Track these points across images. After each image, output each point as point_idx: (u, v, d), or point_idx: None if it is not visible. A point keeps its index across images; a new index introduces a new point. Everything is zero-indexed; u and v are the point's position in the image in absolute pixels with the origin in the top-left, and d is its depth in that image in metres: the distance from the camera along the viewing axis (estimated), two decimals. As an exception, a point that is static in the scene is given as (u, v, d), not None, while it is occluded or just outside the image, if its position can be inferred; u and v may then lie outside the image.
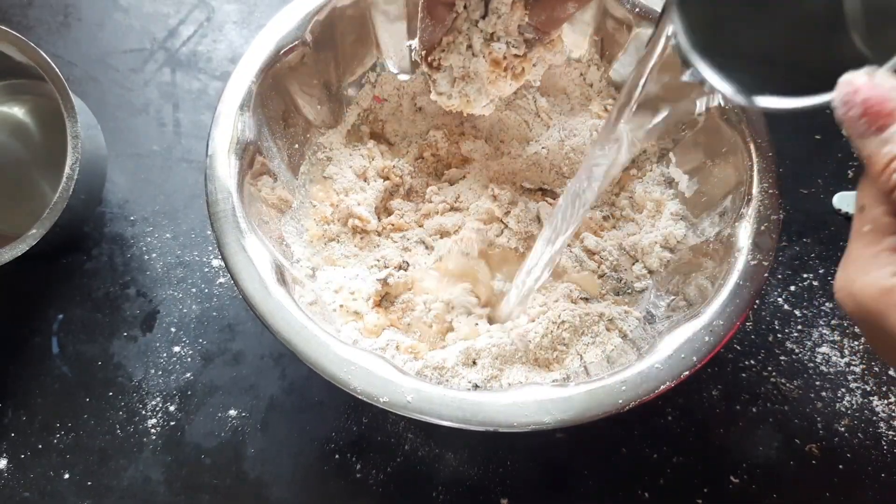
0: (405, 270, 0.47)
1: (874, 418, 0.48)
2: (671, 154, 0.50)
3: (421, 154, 0.53)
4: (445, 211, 0.50)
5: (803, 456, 0.47)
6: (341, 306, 0.45)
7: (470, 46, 0.42)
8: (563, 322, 0.44)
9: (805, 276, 0.53)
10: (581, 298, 0.47)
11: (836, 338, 0.51)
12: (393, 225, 0.50)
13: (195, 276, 0.52)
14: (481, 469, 0.46)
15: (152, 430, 0.47)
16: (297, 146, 0.50)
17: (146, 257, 0.53)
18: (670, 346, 0.39)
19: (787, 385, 0.49)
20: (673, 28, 0.32)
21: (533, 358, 0.44)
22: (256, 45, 0.46)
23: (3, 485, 0.46)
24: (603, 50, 0.51)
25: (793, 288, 0.53)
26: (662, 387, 0.37)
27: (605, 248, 0.49)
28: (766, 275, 0.41)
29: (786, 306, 0.52)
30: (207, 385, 0.49)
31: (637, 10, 0.47)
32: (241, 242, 0.40)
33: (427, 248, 0.49)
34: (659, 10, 0.46)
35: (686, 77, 0.33)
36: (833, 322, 0.51)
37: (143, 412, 0.48)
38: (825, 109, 0.29)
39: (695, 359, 0.38)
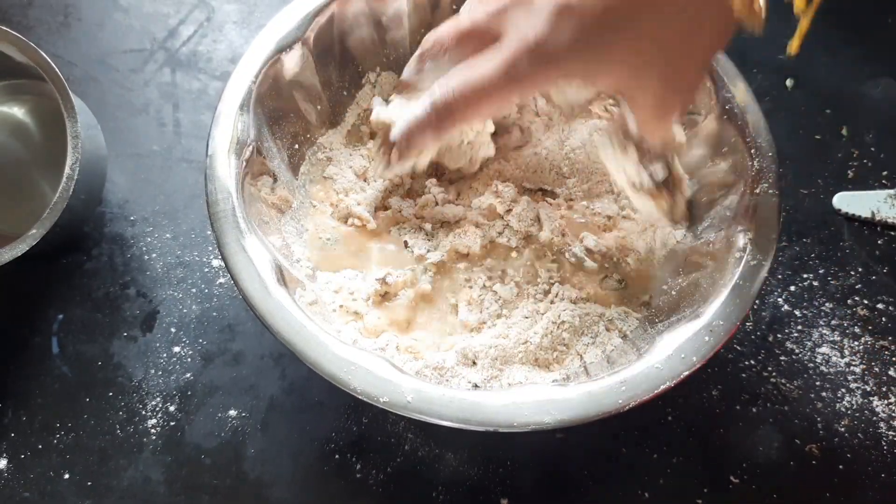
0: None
1: (874, 418, 0.48)
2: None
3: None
4: (445, 202, 0.50)
5: (803, 456, 0.47)
6: (341, 306, 0.45)
7: None
8: (562, 322, 0.44)
9: (805, 276, 0.53)
10: (581, 299, 0.47)
11: (836, 338, 0.51)
12: (391, 217, 0.49)
13: (195, 276, 0.52)
14: (481, 469, 0.46)
15: (152, 431, 0.47)
16: (297, 146, 0.50)
17: (146, 257, 0.53)
18: (670, 346, 0.39)
19: (787, 385, 0.49)
20: None
21: (533, 358, 0.44)
22: (256, 45, 0.46)
23: (3, 485, 0.46)
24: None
25: (793, 288, 0.53)
26: (662, 387, 0.37)
27: (605, 248, 0.49)
28: (766, 275, 0.41)
29: (786, 306, 0.52)
30: (207, 385, 0.49)
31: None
32: (240, 242, 0.40)
33: (427, 235, 0.49)
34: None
35: None
36: (833, 322, 0.51)
37: (143, 412, 0.48)
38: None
39: (695, 359, 0.38)
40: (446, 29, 0.41)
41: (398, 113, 0.43)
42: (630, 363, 0.39)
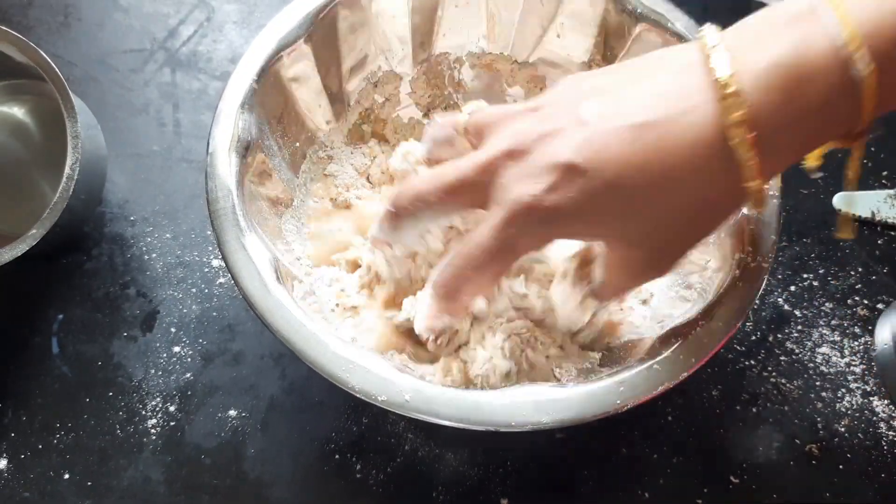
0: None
1: (874, 418, 0.48)
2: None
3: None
4: None
5: (803, 456, 0.47)
6: (338, 304, 0.45)
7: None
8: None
9: (805, 276, 0.53)
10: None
11: (837, 338, 0.51)
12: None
13: (195, 276, 0.52)
14: (481, 469, 0.46)
15: (152, 431, 0.47)
16: (297, 145, 0.50)
17: (146, 257, 0.53)
18: (669, 347, 0.39)
19: (787, 385, 0.49)
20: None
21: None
22: (257, 44, 0.46)
23: (3, 485, 0.46)
24: (605, 50, 0.51)
25: (793, 288, 0.53)
26: (661, 387, 0.37)
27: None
28: (766, 275, 0.41)
29: (786, 306, 0.52)
30: (207, 385, 0.49)
31: (639, 10, 0.47)
32: (240, 240, 0.40)
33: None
34: (659, 10, 0.47)
35: None
36: (833, 322, 0.51)
37: (143, 412, 0.48)
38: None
39: (694, 359, 0.38)
40: (428, 185, 0.36)
41: (414, 309, 0.41)
42: (629, 363, 0.39)
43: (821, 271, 0.53)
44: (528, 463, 0.46)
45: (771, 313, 0.51)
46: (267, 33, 0.47)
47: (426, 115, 0.55)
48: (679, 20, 0.47)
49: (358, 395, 0.36)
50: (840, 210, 0.55)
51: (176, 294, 0.52)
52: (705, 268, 0.44)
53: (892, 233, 0.55)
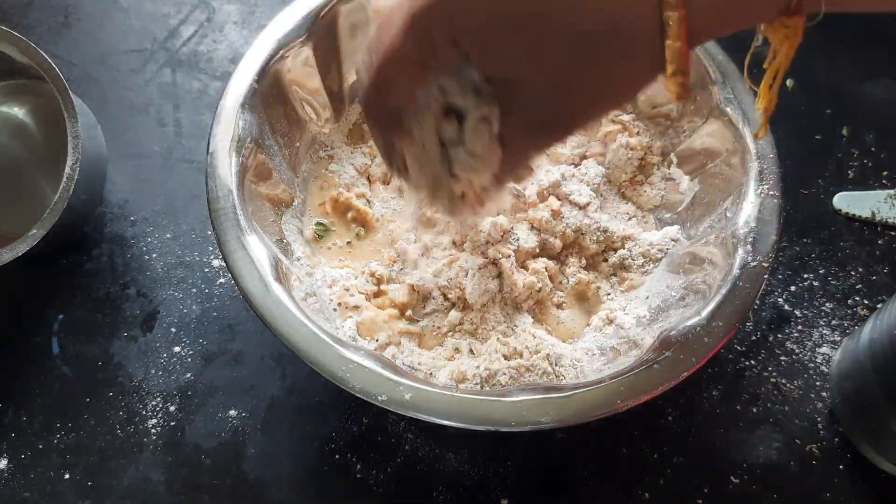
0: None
1: (874, 418, 0.48)
2: (672, 155, 0.50)
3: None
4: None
5: (803, 456, 0.47)
6: (340, 304, 0.45)
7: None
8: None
9: (805, 276, 0.53)
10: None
11: (837, 338, 0.51)
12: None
13: (195, 276, 0.52)
14: (481, 469, 0.46)
15: (152, 431, 0.47)
16: (298, 144, 0.50)
17: (146, 257, 0.53)
18: (670, 347, 0.39)
19: (787, 385, 0.49)
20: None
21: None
22: (258, 44, 0.46)
23: (4, 485, 0.46)
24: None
25: (793, 288, 0.53)
26: (661, 387, 0.37)
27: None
28: (766, 275, 0.41)
29: (786, 306, 0.52)
30: (207, 385, 0.49)
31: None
32: (241, 240, 0.40)
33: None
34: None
35: None
36: (833, 322, 0.51)
37: (144, 412, 0.48)
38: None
39: (694, 359, 0.38)
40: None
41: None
42: (629, 363, 0.39)
43: (821, 271, 0.53)
44: (528, 463, 0.46)
45: (771, 313, 0.51)
46: (267, 33, 0.47)
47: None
48: None
49: (358, 395, 0.36)
50: (840, 210, 0.55)
51: (176, 294, 0.52)
52: (705, 268, 0.44)
53: (892, 233, 0.55)
